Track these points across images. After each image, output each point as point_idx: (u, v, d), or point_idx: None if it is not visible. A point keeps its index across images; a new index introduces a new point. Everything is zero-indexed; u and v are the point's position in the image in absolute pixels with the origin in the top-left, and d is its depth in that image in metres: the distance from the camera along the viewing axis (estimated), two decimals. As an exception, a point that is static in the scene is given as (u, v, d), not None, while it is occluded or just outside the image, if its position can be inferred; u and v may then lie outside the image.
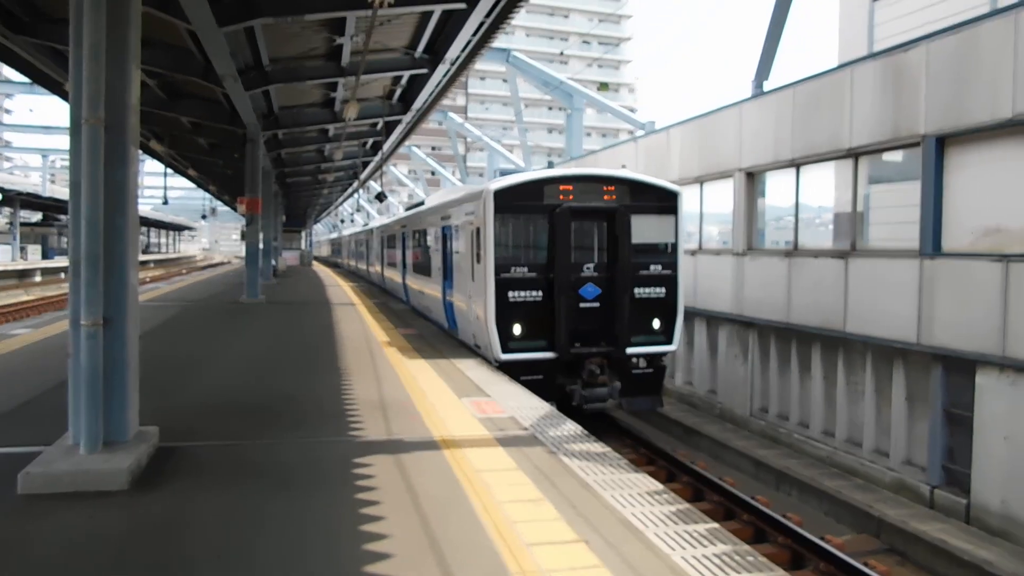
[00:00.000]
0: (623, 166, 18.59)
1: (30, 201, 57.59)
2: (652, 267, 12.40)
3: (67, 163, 6.62)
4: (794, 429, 13.51)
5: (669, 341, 12.56)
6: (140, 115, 6.75)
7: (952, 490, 10.33)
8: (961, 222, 10.38)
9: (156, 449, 6.70)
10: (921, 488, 10.65)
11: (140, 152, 6.84)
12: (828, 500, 11.08)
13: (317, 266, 59.49)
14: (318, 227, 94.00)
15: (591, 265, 12.07)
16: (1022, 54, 9.30)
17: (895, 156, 12.10)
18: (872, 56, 12.18)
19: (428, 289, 17.91)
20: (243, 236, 24.61)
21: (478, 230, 12.24)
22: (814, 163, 13.26)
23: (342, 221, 72.71)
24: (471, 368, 11.36)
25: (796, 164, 13.57)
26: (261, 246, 24.05)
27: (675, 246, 12.64)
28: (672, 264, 12.55)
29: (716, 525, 5.31)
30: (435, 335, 15.21)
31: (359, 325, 16.95)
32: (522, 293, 11.83)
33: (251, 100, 18.08)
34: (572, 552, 4.78)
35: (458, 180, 41.36)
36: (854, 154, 12.15)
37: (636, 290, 12.21)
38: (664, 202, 12.64)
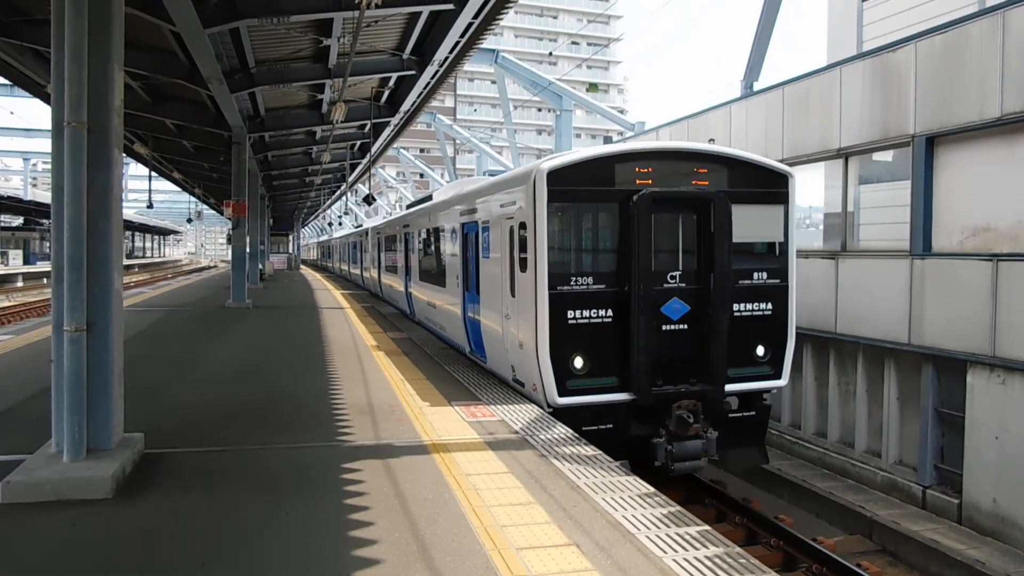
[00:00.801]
0: (711, 140, 14.88)
1: (11, 205, 57.13)
2: (756, 275, 9.47)
3: (49, 166, 6.54)
4: (785, 431, 13.50)
5: (777, 374, 9.56)
6: (124, 118, 6.67)
7: (944, 490, 10.33)
8: (951, 222, 10.40)
9: (141, 456, 6.61)
10: (913, 488, 10.66)
11: (124, 155, 6.77)
12: (820, 501, 11.08)
13: (305, 270, 59.31)
14: (306, 230, 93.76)
15: (676, 273, 9.06)
16: (1009, 53, 9.33)
17: (885, 156, 12.12)
18: (861, 56, 12.21)
19: (441, 302, 14.72)
20: (229, 240, 24.48)
21: (522, 227, 9.25)
22: (804, 163, 13.27)
23: (330, 224, 72.48)
24: (461, 371, 11.30)
25: (786, 164, 13.56)
26: (248, 250, 23.92)
27: (785, 247, 9.67)
28: (782, 271, 9.61)
29: (708, 527, 5.28)
30: (425, 339, 15.13)
31: (347, 329, 16.87)
32: (586, 313, 8.80)
33: (237, 102, 17.98)
34: (563, 555, 4.74)
35: (446, 182, 41.29)
36: (844, 154, 12.17)
37: (735, 306, 9.34)
38: (771, 187, 9.65)
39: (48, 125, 6.47)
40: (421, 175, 54.14)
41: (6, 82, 19.96)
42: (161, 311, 21.33)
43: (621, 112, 72.89)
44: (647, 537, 5.03)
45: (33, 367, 11.11)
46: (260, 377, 11.00)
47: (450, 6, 12.70)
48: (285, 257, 58.52)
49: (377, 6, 10.04)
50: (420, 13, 13.61)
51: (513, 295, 9.64)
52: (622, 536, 5.05)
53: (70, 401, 5.93)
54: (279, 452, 7.03)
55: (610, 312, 8.87)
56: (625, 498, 5.79)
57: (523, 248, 9.20)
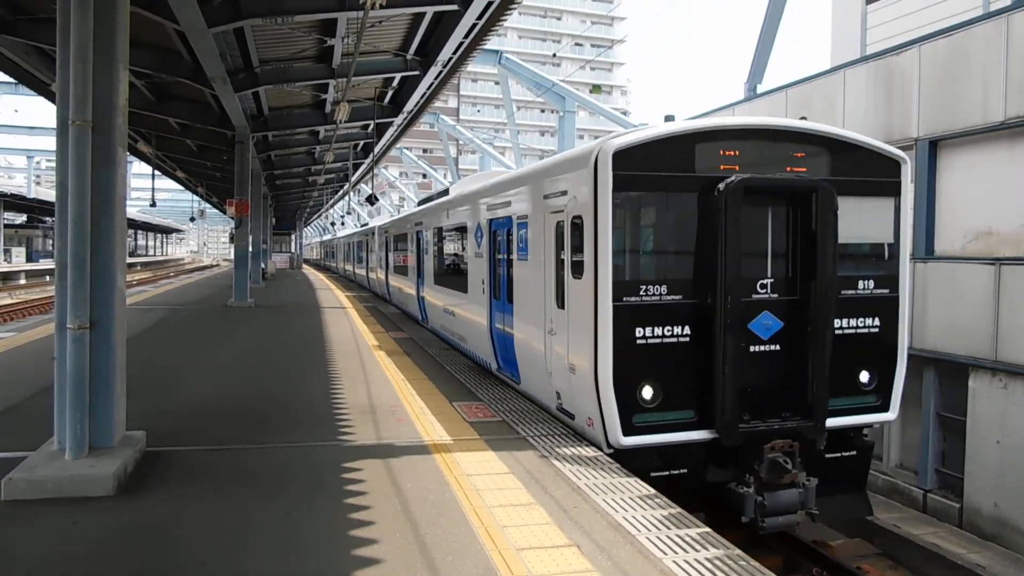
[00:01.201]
0: (803, 117, 13.06)
1: (14, 203, 57.29)
2: (861, 284, 7.85)
3: (52, 164, 6.57)
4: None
5: (884, 406, 7.94)
6: (128, 116, 6.68)
7: (945, 494, 10.33)
8: (953, 225, 10.41)
9: (143, 454, 6.62)
10: (914, 492, 10.65)
11: (127, 154, 6.81)
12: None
13: (308, 270, 59.36)
14: (308, 230, 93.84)
15: (767, 282, 7.44)
16: (1014, 57, 9.33)
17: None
18: (865, 59, 12.22)
19: (461, 310, 13.10)
20: (232, 239, 24.51)
21: (576, 222, 7.62)
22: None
23: (332, 224, 72.55)
24: (463, 371, 11.30)
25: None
26: (250, 249, 23.94)
27: (896, 249, 8.03)
28: (892, 279, 7.96)
29: (708, 529, 5.27)
30: (428, 340, 15.13)
31: (349, 329, 16.87)
32: (658, 331, 7.14)
33: (240, 102, 18.02)
34: (563, 556, 4.74)
35: (449, 182, 41.34)
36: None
37: (836, 322, 7.64)
38: (880, 175, 7.95)
39: (52, 123, 6.50)
40: (424, 175, 54.21)
41: (11, 80, 19.99)
42: (163, 310, 21.34)
43: (624, 114, 72.89)
44: (647, 538, 5.03)
45: (35, 365, 11.13)
46: (262, 376, 11.01)
47: (454, 7, 12.72)
48: (287, 256, 58.67)
49: (381, 6, 10.06)
50: (424, 13, 13.64)
51: (561, 306, 8.03)
52: (623, 537, 5.06)
53: (72, 399, 5.95)
54: (280, 451, 7.03)
55: (687, 329, 7.21)
56: (626, 499, 5.79)
57: (577, 249, 7.56)
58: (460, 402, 9.13)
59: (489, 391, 9.83)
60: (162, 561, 4.67)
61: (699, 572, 4.58)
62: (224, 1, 12.09)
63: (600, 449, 7.19)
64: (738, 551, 4.94)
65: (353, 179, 37.54)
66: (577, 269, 7.56)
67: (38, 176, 65.49)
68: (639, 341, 7.09)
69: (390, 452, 6.98)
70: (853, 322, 7.78)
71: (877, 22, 19.34)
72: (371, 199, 28.51)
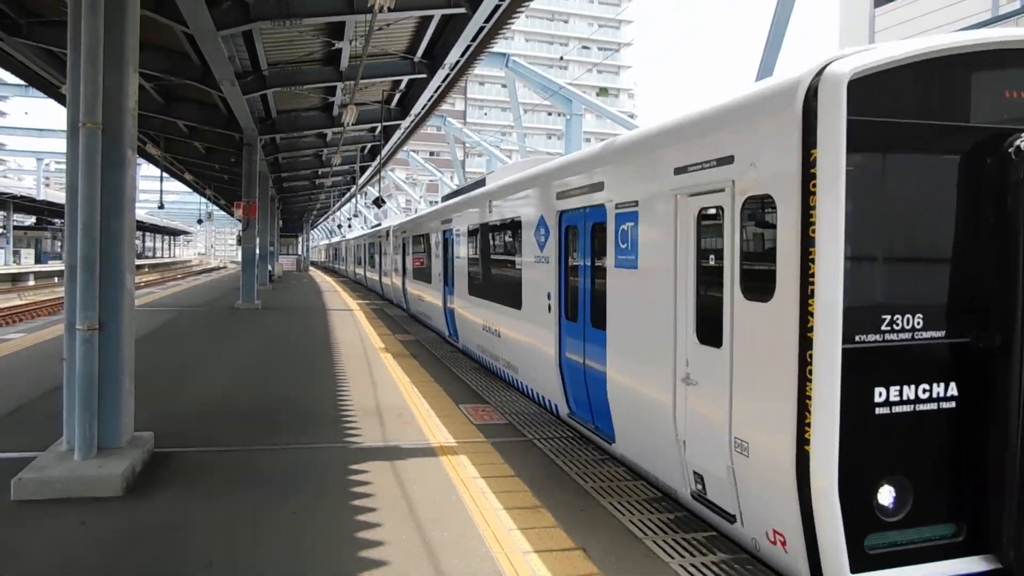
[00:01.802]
0: None
1: (24, 204, 57.59)
2: None
3: (62, 166, 6.62)
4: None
5: None
6: (137, 119, 6.72)
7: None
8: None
9: (151, 455, 6.65)
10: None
11: (136, 156, 6.82)
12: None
13: (314, 272, 59.51)
14: (315, 232, 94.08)
15: None
16: None
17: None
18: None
19: (511, 330, 10.45)
20: (239, 241, 24.61)
21: (752, 208, 4.89)
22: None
23: (339, 226, 72.64)
24: (469, 374, 11.29)
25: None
26: (257, 251, 24.02)
27: None
28: None
29: (715, 533, 5.26)
30: (435, 342, 15.14)
31: (356, 331, 16.91)
32: (910, 392, 4.38)
33: (249, 104, 18.10)
34: (569, 560, 4.74)
35: (456, 185, 41.30)
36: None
37: None
38: None
39: (62, 125, 6.55)
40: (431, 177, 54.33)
41: (21, 83, 20.11)
42: (171, 311, 21.43)
43: (631, 117, 72.83)
44: (654, 542, 5.03)
45: (44, 365, 11.18)
46: (269, 378, 11.04)
47: (462, 9, 12.76)
48: (294, 259, 58.89)
49: (389, 9, 10.09)
50: (432, 16, 13.68)
51: (712, 342, 5.22)
52: (629, 541, 5.05)
53: (81, 399, 5.98)
54: (287, 452, 7.06)
55: (952, 388, 4.46)
56: (633, 503, 5.79)
57: (756, 250, 4.90)
58: (466, 404, 9.13)
59: (495, 394, 9.83)
60: (169, 562, 4.69)
61: (706, 576, 4.58)
62: (233, 4, 12.15)
63: None
64: (745, 554, 4.93)
65: (360, 181, 37.59)
66: (759, 284, 4.73)
67: (47, 178, 65.65)
68: (879, 410, 4.34)
69: (396, 454, 6.99)
70: None
71: (885, 25, 19.32)
72: (378, 202, 28.60)
